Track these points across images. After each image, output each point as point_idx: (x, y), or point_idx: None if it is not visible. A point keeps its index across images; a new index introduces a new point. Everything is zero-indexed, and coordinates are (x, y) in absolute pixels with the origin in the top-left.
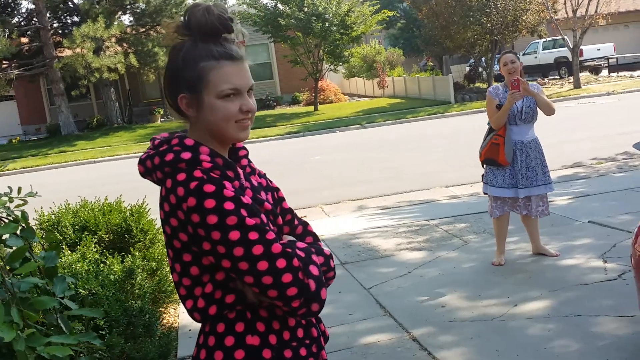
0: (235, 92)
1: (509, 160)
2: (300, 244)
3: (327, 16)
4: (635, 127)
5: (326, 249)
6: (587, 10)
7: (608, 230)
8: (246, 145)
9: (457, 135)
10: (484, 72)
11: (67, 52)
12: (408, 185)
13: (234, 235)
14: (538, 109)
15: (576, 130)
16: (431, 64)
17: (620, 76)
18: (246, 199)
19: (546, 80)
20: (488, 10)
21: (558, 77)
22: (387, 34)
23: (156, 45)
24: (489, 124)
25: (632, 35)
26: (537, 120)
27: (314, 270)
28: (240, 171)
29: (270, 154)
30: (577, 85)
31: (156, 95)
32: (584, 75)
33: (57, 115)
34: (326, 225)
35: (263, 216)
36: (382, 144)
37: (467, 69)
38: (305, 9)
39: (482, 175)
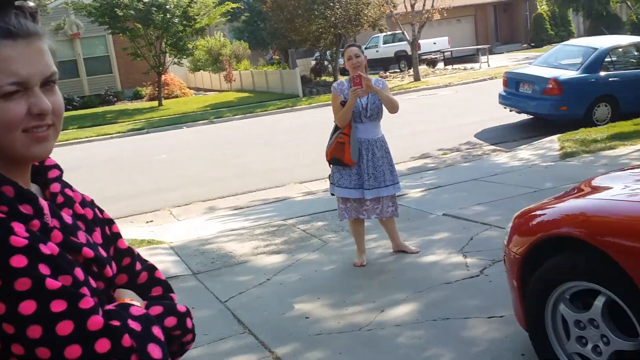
0: (20, 86)
1: (355, 160)
2: (135, 310)
3: (168, 7)
4: (474, 118)
5: (181, 306)
6: (424, 5)
7: (463, 222)
8: (84, 144)
9: (307, 129)
10: (329, 66)
11: None
12: (260, 183)
13: (27, 307)
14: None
15: (420, 122)
16: (277, 57)
17: (455, 69)
18: (49, 248)
19: (388, 74)
20: (332, 4)
21: (399, 70)
22: (232, 27)
23: None
24: (335, 121)
25: (464, 29)
26: (382, 118)
27: (154, 351)
28: (45, 204)
29: (111, 153)
30: (416, 77)
31: None
32: (422, 68)
33: None
34: (176, 230)
35: (78, 271)
36: (231, 139)
37: (313, 62)
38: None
39: (329, 176)
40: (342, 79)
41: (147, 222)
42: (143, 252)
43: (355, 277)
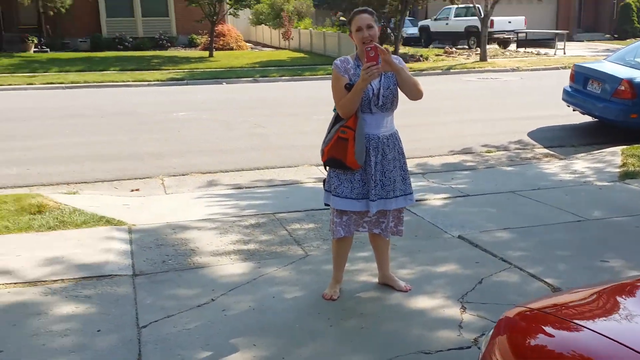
0: None
1: (361, 162)
2: None
3: None
4: (532, 112)
5: None
6: None
7: (478, 253)
8: (115, 89)
9: None
10: (392, 34)
11: None
12: (273, 160)
13: None
14: (399, 91)
15: (472, 109)
16: (344, 19)
17: (528, 52)
18: None
19: (454, 49)
20: None
21: (467, 47)
22: None
23: None
24: (335, 110)
25: (544, 10)
26: (397, 108)
27: None
28: None
29: (133, 105)
30: (483, 57)
31: (32, 22)
32: (492, 48)
33: None
34: (153, 207)
35: None
36: (263, 103)
37: None
38: None
39: (324, 181)
40: (347, 56)
41: (132, 190)
42: (94, 233)
43: (317, 317)
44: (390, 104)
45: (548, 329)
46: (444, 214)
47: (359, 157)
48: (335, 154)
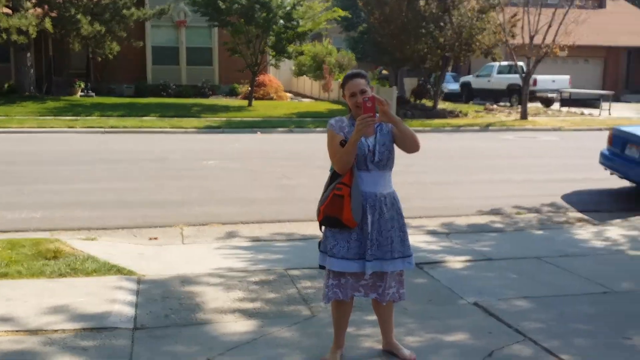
0: None
1: (357, 219)
2: None
3: (272, 6)
4: (568, 175)
5: None
6: (544, 39)
7: (492, 322)
8: (150, 135)
9: None
10: (431, 89)
11: None
12: (296, 212)
13: None
14: (395, 147)
15: (505, 169)
16: (386, 72)
17: (571, 112)
18: None
19: (495, 106)
20: (442, 24)
21: (509, 104)
22: (348, 37)
23: (80, 12)
24: (331, 169)
25: (591, 71)
26: (394, 167)
27: None
28: None
29: (166, 151)
30: (523, 116)
31: (81, 67)
32: (534, 106)
33: None
34: (167, 257)
35: None
36: (295, 154)
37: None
38: None
39: (319, 242)
40: (342, 116)
41: (151, 238)
42: (103, 282)
43: None
44: (386, 161)
45: None
46: (463, 278)
47: (355, 214)
48: (331, 212)
